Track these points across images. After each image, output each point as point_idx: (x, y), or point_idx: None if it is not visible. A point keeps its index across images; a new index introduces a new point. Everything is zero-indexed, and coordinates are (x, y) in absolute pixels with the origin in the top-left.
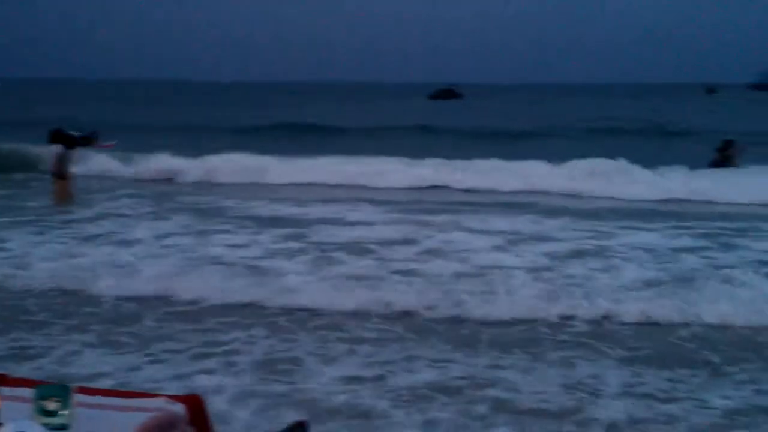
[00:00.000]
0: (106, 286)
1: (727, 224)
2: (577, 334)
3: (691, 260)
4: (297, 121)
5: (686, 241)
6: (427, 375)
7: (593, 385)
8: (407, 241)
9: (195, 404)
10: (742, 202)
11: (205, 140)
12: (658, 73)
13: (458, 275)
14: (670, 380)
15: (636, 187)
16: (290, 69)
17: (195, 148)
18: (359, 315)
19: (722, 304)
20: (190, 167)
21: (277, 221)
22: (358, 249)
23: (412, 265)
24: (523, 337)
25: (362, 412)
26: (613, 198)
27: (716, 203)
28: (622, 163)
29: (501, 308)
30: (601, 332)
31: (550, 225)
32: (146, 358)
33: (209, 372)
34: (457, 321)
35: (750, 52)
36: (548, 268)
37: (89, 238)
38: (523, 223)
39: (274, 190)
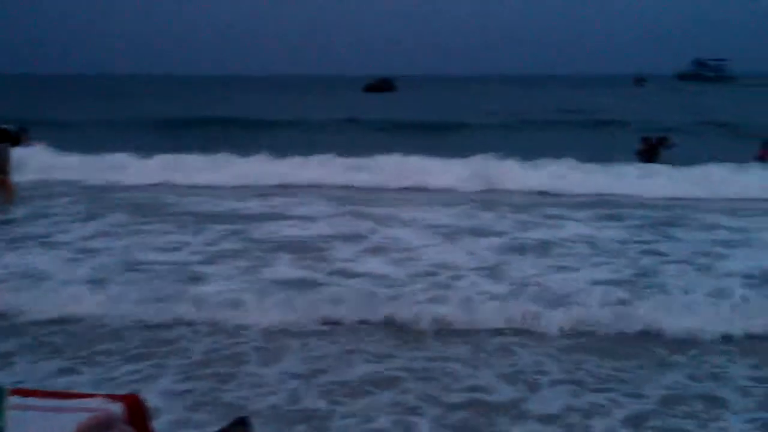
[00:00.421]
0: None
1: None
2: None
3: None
4: (226, 115)
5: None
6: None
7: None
8: (348, 238)
9: (133, 403)
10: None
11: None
12: (591, 64)
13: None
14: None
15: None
16: (228, 62)
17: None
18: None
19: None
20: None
21: (216, 218)
22: (298, 247)
23: (352, 266)
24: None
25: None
26: (509, 191)
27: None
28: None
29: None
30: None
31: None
32: None
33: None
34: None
35: (678, 44)
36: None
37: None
38: (459, 218)
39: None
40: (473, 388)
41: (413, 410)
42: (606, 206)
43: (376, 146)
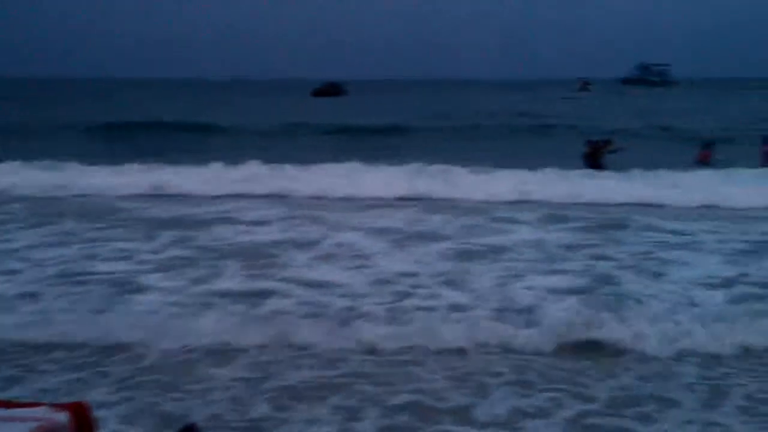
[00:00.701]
0: None
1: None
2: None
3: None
4: (178, 119)
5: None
6: None
7: None
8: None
9: (79, 411)
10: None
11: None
12: (537, 68)
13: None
14: None
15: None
16: (192, 66)
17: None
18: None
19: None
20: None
21: (167, 223)
22: (250, 254)
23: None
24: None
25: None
26: (453, 199)
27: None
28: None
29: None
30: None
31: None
32: None
33: None
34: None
35: (624, 48)
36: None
37: None
38: (409, 223)
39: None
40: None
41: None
42: (552, 211)
43: (314, 152)
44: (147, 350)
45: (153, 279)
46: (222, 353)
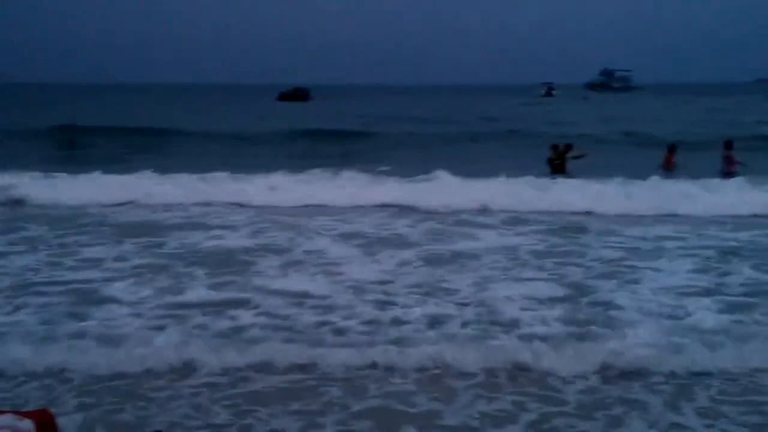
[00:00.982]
0: None
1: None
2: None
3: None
4: (142, 125)
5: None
6: None
7: None
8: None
9: (43, 419)
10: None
11: None
12: (502, 73)
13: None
14: None
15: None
16: (160, 70)
17: None
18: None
19: None
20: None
21: (134, 229)
22: (217, 261)
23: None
24: None
25: None
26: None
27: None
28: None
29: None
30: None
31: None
32: None
33: None
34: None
35: (589, 53)
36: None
37: None
38: (376, 228)
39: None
40: None
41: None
42: (515, 217)
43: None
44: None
45: (116, 289)
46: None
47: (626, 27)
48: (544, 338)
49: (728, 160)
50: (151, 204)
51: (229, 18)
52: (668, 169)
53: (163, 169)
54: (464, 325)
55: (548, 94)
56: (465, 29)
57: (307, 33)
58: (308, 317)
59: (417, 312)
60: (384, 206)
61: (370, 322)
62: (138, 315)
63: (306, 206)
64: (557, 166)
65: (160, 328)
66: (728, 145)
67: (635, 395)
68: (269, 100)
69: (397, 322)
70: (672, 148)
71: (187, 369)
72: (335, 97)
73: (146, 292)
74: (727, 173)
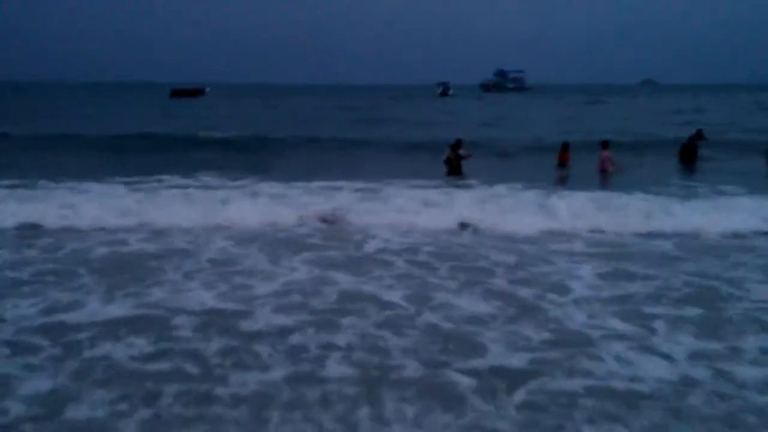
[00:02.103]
0: None
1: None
2: None
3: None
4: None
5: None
6: None
7: None
8: None
9: None
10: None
11: None
12: (396, 74)
13: None
14: None
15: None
16: (53, 68)
17: None
18: None
19: None
20: None
21: None
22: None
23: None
24: None
25: None
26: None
27: None
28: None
29: None
30: None
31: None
32: None
33: None
34: None
35: (483, 55)
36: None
37: None
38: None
39: None
40: None
41: None
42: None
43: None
44: None
45: None
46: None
47: (520, 29)
48: None
49: (604, 160)
50: None
51: (138, 15)
52: (563, 166)
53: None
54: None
55: (444, 93)
56: (362, 30)
57: (211, 31)
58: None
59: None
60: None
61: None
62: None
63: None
64: (454, 167)
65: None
66: (604, 145)
67: None
68: (161, 98)
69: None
70: (565, 147)
71: None
72: (228, 95)
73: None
74: (602, 171)
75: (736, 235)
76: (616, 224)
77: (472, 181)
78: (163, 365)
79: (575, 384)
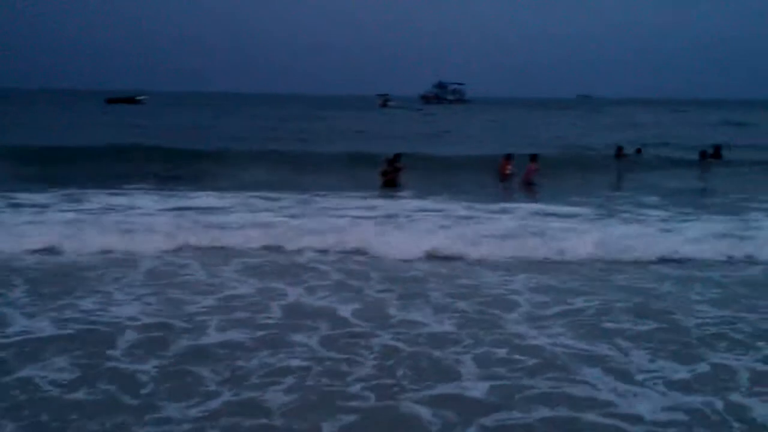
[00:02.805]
0: None
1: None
2: None
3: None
4: None
5: None
6: None
7: None
8: None
9: None
10: None
11: None
12: (337, 85)
13: None
14: None
15: None
16: None
17: None
18: None
19: None
20: None
21: None
22: None
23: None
24: None
25: None
26: None
27: None
28: None
29: None
30: None
31: None
32: None
33: None
34: None
35: (423, 67)
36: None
37: None
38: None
39: None
40: None
41: None
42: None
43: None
44: None
45: None
46: None
47: (460, 42)
48: None
49: (529, 171)
50: None
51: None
52: (504, 176)
53: None
54: None
55: (384, 104)
56: (302, 39)
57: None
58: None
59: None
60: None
61: None
62: None
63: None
64: (390, 180)
65: None
66: (533, 158)
67: None
68: (98, 104)
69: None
70: (508, 157)
71: None
72: (167, 104)
73: None
74: (526, 182)
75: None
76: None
77: (405, 193)
78: (88, 392)
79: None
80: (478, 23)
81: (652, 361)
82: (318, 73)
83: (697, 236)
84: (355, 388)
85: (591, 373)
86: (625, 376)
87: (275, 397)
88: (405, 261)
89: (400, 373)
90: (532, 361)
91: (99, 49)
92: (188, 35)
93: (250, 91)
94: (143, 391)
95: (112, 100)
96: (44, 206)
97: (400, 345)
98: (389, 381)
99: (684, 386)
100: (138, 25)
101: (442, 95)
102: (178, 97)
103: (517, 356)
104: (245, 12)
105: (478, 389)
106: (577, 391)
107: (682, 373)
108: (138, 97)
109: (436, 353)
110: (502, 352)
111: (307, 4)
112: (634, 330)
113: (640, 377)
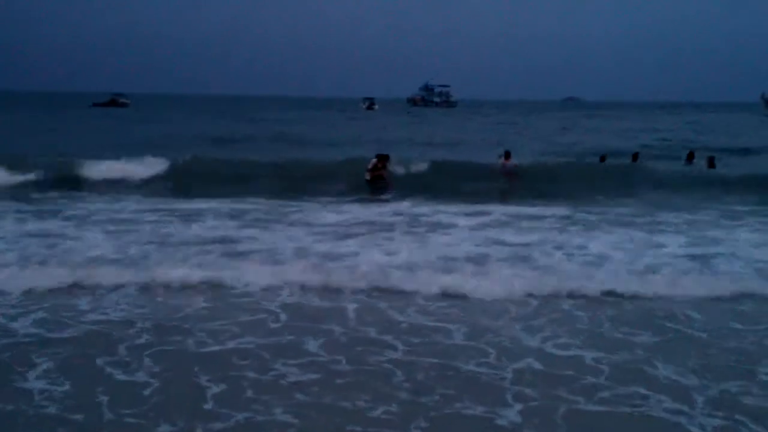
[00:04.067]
0: None
1: None
2: None
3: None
4: None
5: None
6: None
7: None
8: None
9: None
10: None
11: None
12: (324, 87)
13: None
14: None
15: None
16: None
17: None
18: None
19: None
20: None
21: None
22: None
23: None
24: None
25: None
26: None
27: None
28: None
29: None
30: None
31: None
32: None
33: None
34: None
35: (412, 70)
36: None
37: None
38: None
39: None
40: None
41: None
42: None
43: None
44: None
45: None
46: None
47: (447, 45)
48: None
49: (504, 167)
50: None
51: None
52: (507, 170)
53: None
54: None
55: (369, 108)
56: (285, 42)
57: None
58: None
59: None
60: None
61: None
62: None
63: None
64: (377, 176)
65: None
66: (506, 155)
67: None
68: (85, 107)
69: None
70: (507, 155)
71: None
72: (152, 106)
73: None
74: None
75: None
76: None
77: (388, 195)
78: None
79: None
80: (466, 27)
81: None
82: (302, 75)
83: None
84: None
85: None
86: None
87: None
88: None
89: None
90: None
91: (85, 51)
92: (176, 38)
93: (233, 93)
94: None
95: (100, 104)
96: None
97: None
98: None
99: None
100: (124, 28)
101: (428, 98)
102: (163, 99)
103: None
104: (230, 15)
105: None
106: None
107: None
108: (121, 100)
109: None
110: None
111: (293, 8)
112: None
113: None
